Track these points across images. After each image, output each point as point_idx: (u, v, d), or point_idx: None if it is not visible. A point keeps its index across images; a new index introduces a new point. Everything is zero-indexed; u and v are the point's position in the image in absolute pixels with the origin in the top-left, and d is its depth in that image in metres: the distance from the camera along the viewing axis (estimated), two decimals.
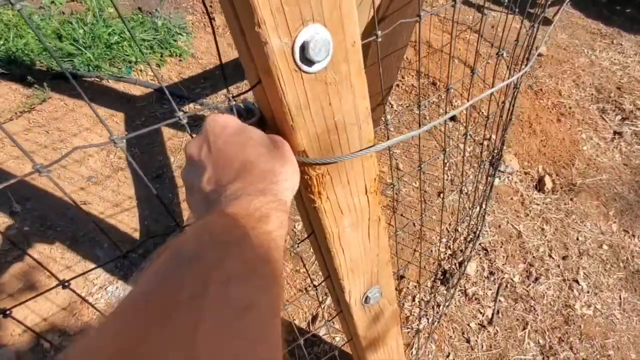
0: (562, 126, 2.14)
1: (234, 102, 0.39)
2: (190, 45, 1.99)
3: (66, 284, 0.43)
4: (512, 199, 1.83)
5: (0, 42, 1.67)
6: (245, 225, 0.28)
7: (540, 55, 2.54)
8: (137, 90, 1.80)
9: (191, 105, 1.80)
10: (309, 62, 0.34)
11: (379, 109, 1.29)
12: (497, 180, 1.91)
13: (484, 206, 1.44)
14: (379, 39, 0.46)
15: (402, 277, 1.48)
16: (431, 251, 1.58)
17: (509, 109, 1.15)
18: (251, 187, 0.32)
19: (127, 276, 1.28)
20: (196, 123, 1.72)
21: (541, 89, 2.34)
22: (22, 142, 1.52)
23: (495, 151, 1.32)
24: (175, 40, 1.92)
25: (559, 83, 2.38)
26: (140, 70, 1.82)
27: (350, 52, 0.36)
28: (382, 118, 1.47)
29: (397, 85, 2.16)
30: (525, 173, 1.93)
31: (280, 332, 0.26)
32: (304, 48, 0.33)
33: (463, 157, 1.22)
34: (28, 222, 1.34)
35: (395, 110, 2.06)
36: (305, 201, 0.49)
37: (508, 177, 1.91)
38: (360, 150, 0.43)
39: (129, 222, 1.38)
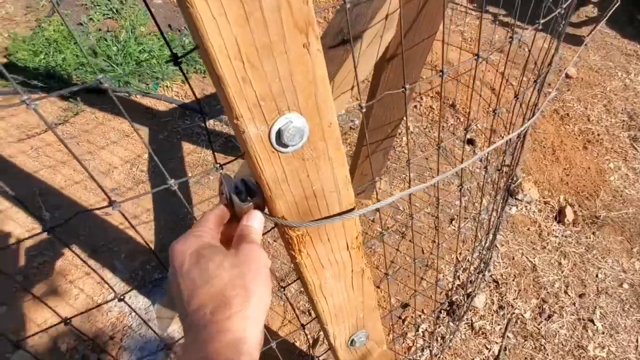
0: (589, 154, 2.05)
1: (222, 171, 0.42)
2: None
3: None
4: (528, 229, 1.77)
5: (41, 57, 1.82)
6: None
7: (568, 77, 2.45)
8: (162, 106, 1.90)
9: (211, 121, 1.88)
10: (285, 145, 0.37)
11: (387, 143, 1.30)
12: (513, 209, 1.86)
13: (494, 235, 1.41)
14: (364, 115, 0.48)
15: (406, 305, 1.47)
16: (439, 280, 1.56)
17: (523, 137, 1.13)
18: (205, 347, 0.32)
19: (141, 287, 1.35)
20: (227, 142, 1.78)
21: (568, 114, 2.26)
22: (55, 152, 1.64)
23: (510, 178, 1.30)
24: (200, 58, 2.00)
25: (588, 108, 2.29)
26: (166, 87, 1.92)
27: (327, 132, 0.39)
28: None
29: (415, 107, 2.15)
30: (545, 203, 1.87)
31: None
32: (279, 134, 0.36)
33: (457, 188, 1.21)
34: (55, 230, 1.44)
35: (412, 132, 2.06)
36: (288, 253, 0.51)
37: (526, 206, 1.86)
38: (340, 214, 0.45)
39: (145, 235, 1.46)
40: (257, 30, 0.30)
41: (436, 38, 0.95)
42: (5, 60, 1.89)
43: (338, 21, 0.83)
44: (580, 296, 1.54)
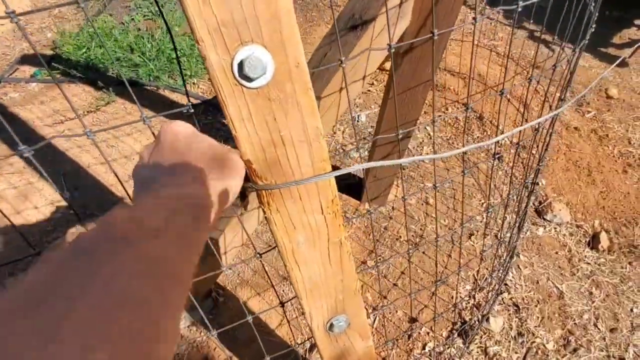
0: (629, 178, 1.89)
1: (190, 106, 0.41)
2: None
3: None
4: (557, 253, 1.63)
5: (83, 50, 1.96)
6: (155, 221, 0.28)
7: (609, 97, 2.31)
8: (187, 101, 1.97)
9: None
10: (248, 79, 0.35)
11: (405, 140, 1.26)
12: (540, 230, 1.73)
13: (512, 254, 1.30)
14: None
15: (414, 320, 1.38)
16: (452, 297, 1.46)
17: (544, 143, 1.05)
18: (178, 187, 0.34)
19: None
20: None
21: (607, 135, 2.10)
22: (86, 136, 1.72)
23: (531, 194, 1.21)
24: None
25: (629, 130, 2.13)
26: (194, 83, 1.99)
27: (294, 72, 0.36)
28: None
29: (439, 116, 2.09)
30: (577, 226, 1.72)
31: (174, 332, 0.25)
32: (241, 65, 0.34)
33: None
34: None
35: (434, 142, 1.99)
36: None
37: (555, 228, 1.72)
38: (312, 177, 0.43)
39: None
40: None
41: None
42: (52, 52, 2.06)
43: (352, 5, 0.82)
44: (612, 331, 1.38)
